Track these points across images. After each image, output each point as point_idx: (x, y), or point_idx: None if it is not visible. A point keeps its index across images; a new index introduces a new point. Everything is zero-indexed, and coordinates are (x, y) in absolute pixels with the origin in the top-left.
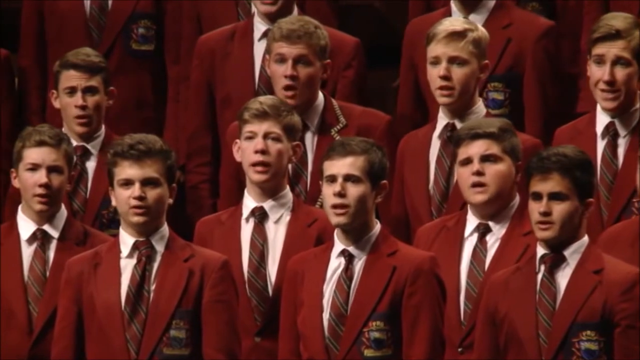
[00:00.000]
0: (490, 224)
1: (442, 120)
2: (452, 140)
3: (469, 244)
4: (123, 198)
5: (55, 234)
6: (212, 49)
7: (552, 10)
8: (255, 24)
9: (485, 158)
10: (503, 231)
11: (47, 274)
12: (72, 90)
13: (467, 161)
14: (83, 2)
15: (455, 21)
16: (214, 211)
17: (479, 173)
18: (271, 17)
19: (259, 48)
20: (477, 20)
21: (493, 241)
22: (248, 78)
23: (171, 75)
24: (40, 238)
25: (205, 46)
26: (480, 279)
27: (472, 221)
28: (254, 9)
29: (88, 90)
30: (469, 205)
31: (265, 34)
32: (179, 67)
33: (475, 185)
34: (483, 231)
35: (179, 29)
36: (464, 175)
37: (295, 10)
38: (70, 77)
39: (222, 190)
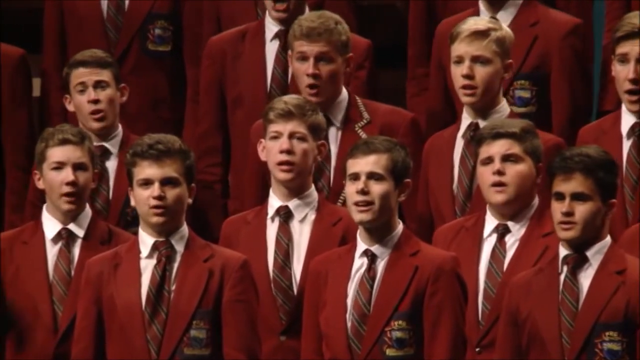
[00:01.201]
0: (510, 224)
1: (466, 120)
2: (474, 139)
3: (488, 244)
4: (142, 198)
5: (80, 233)
6: (223, 49)
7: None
8: (267, 24)
9: (506, 158)
10: (522, 232)
11: (72, 273)
12: (83, 87)
13: (488, 160)
14: (100, 2)
15: (479, 20)
16: (224, 212)
17: (500, 173)
18: (282, 21)
19: (271, 49)
20: (505, 18)
21: (512, 242)
22: (260, 78)
23: (189, 76)
24: (65, 237)
25: (217, 47)
26: (499, 280)
27: (491, 222)
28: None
29: (99, 85)
30: (487, 206)
31: (277, 35)
32: (198, 68)
33: (495, 184)
34: (502, 232)
35: (197, 30)
36: (484, 175)
37: (307, 11)
38: (80, 74)
39: (239, 189)
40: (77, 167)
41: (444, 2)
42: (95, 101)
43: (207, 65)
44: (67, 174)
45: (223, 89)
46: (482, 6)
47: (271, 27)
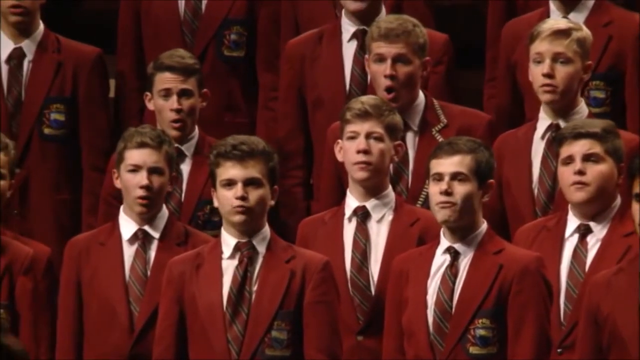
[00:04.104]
0: (591, 224)
1: (544, 120)
2: (555, 140)
3: (570, 244)
4: (225, 198)
5: (156, 234)
6: (301, 52)
7: (633, 6)
8: (344, 25)
9: (588, 157)
10: (604, 232)
11: (148, 273)
12: (167, 93)
13: (569, 160)
14: (177, 4)
15: (560, 20)
16: (307, 214)
17: (581, 172)
18: (359, 16)
19: (349, 49)
20: (577, 19)
21: (594, 242)
22: (338, 79)
23: (262, 82)
24: (141, 238)
25: (294, 50)
26: (580, 280)
27: (572, 222)
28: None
29: (183, 94)
30: (570, 206)
31: (355, 35)
32: (273, 74)
33: (576, 183)
34: (584, 232)
35: (271, 35)
36: (565, 174)
37: (384, 9)
38: (165, 80)
39: (319, 190)
40: (153, 170)
41: (524, 2)
42: (178, 110)
43: (286, 69)
44: (142, 178)
45: (302, 91)
46: (553, 6)
47: (348, 28)
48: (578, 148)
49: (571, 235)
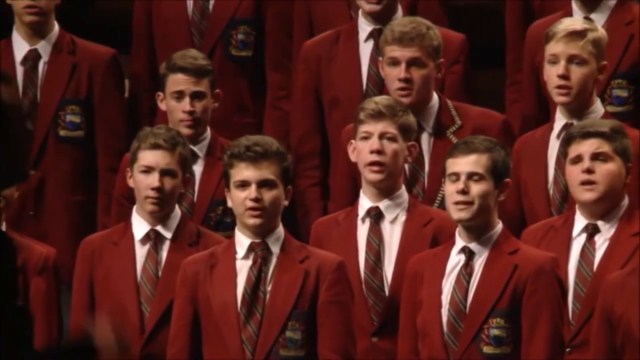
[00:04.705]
0: (599, 224)
1: (560, 120)
2: (564, 139)
3: (577, 244)
4: (239, 200)
5: (168, 234)
6: (317, 53)
7: None
8: (360, 25)
9: (596, 156)
10: (612, 232)
11: (160, 274)
12: (179, 95)
13: (578, 159)
14: (186, 4)
15: (575, 21)
16: (324, 214)
17: (589, 171)
18: (375, 17)
19: (365, 49)
20: (599, 18)
21: (602, 242)
22: (355, 79)
23: (270, 81)
24: (153, 238)
25: (311, 51)
26: (588, 279)
27: (580, 221)
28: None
29: (196, 96)
30: (577, 205)
31: (371, 35)
32: (281, 73)
33: (584, 183)
34: (591, 231)
35: (278, 35)
36: (573, 173)
37: (400, 9)
38: (178, 82)
39: (335, 191)
40: (165, 172)
41: (541, 3)
42: (191, 112)
43: (302, 69)
44: (154, 180)
45: (319, 92)
46: (575, 6)
47: (365, 27)
48: (586, 147)
49: (579, 234)
